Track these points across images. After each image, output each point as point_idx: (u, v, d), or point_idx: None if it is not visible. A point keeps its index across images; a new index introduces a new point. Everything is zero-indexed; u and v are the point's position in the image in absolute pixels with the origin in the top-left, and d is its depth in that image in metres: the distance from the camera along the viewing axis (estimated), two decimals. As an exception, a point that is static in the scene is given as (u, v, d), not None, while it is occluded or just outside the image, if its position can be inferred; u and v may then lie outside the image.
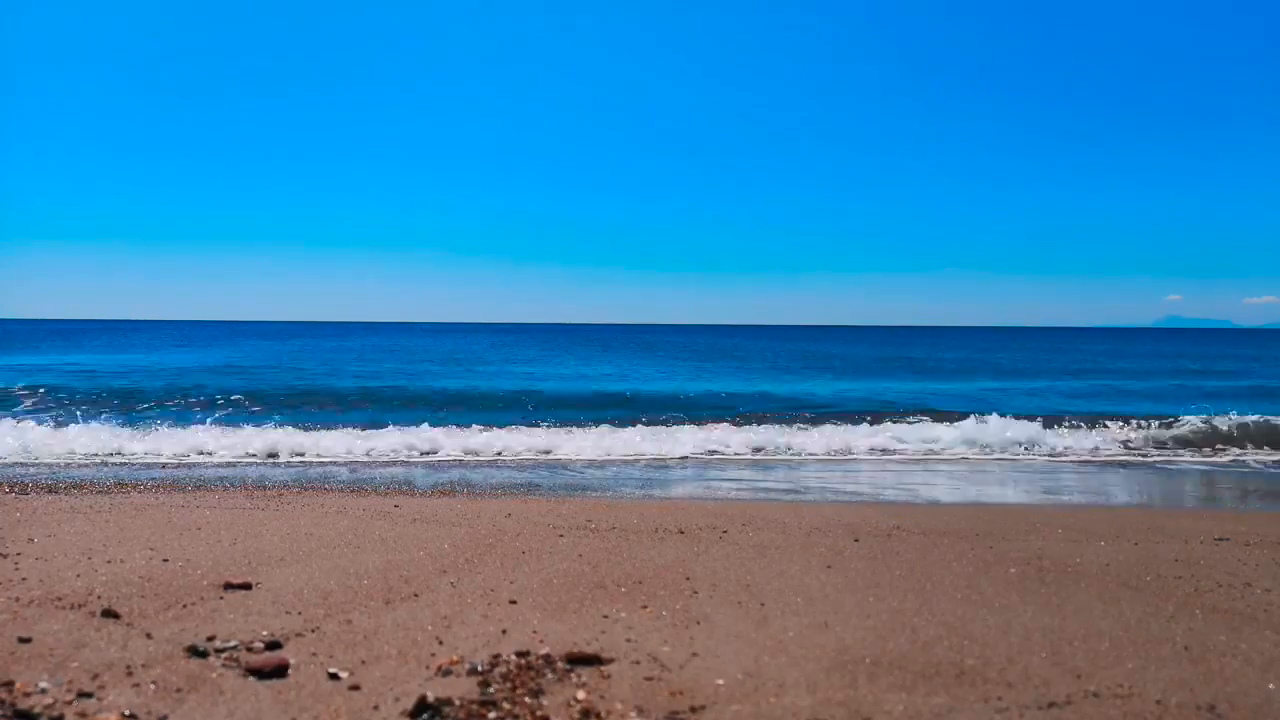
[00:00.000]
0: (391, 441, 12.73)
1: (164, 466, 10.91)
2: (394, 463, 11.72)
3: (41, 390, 19.91)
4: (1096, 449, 13.79)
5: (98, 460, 11.35)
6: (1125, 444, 14.30)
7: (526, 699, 2.81)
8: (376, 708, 2.74)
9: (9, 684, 2.81)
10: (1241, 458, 13.23)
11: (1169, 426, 15.08)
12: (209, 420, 14.81)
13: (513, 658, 3.22)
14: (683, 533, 6.13)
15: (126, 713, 2.65)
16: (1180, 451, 13.87)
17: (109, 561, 4.71)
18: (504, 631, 3.60)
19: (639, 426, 14.65)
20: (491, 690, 2.88)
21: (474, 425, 14.07)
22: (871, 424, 15.19)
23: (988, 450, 13.44)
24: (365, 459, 11.99)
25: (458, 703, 2.74)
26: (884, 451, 13.30)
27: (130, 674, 2.96)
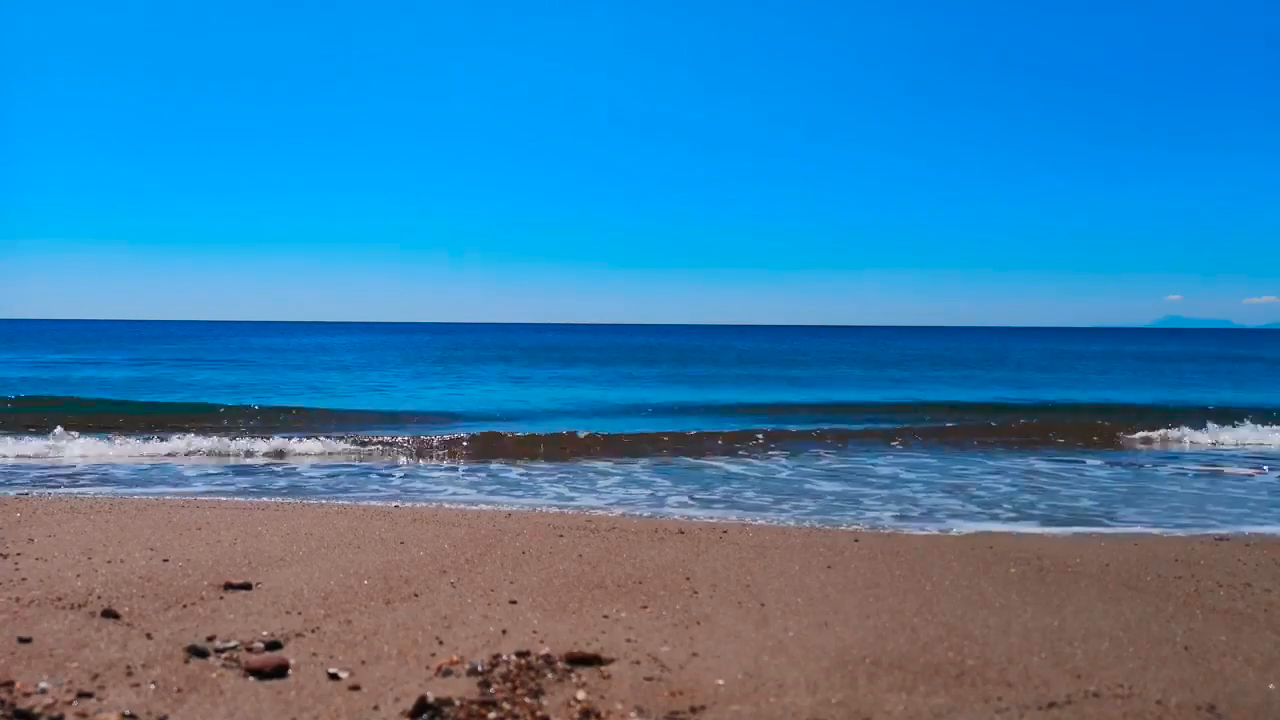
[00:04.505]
0: None
1: None
2: None
3: None
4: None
5: None
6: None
7: (526, 699, 2.81)
8: (376, 708, 2.74)
9: (9, 684, 2.81)
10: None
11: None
12: None
13: (513, 658, 3.22)
14: (683, 533, 6.14)
15: (126, 713, 2.64)
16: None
17: (109, 561, 4.71)
18: (504, 632, 3.60)
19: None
20: (491, 690, 2.88)
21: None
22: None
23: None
24: None
25: (458, 703, 2.74)
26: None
27: (130, 674, 2.96)
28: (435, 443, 12.45)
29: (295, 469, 10.30)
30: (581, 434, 13.13)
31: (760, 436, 13.37)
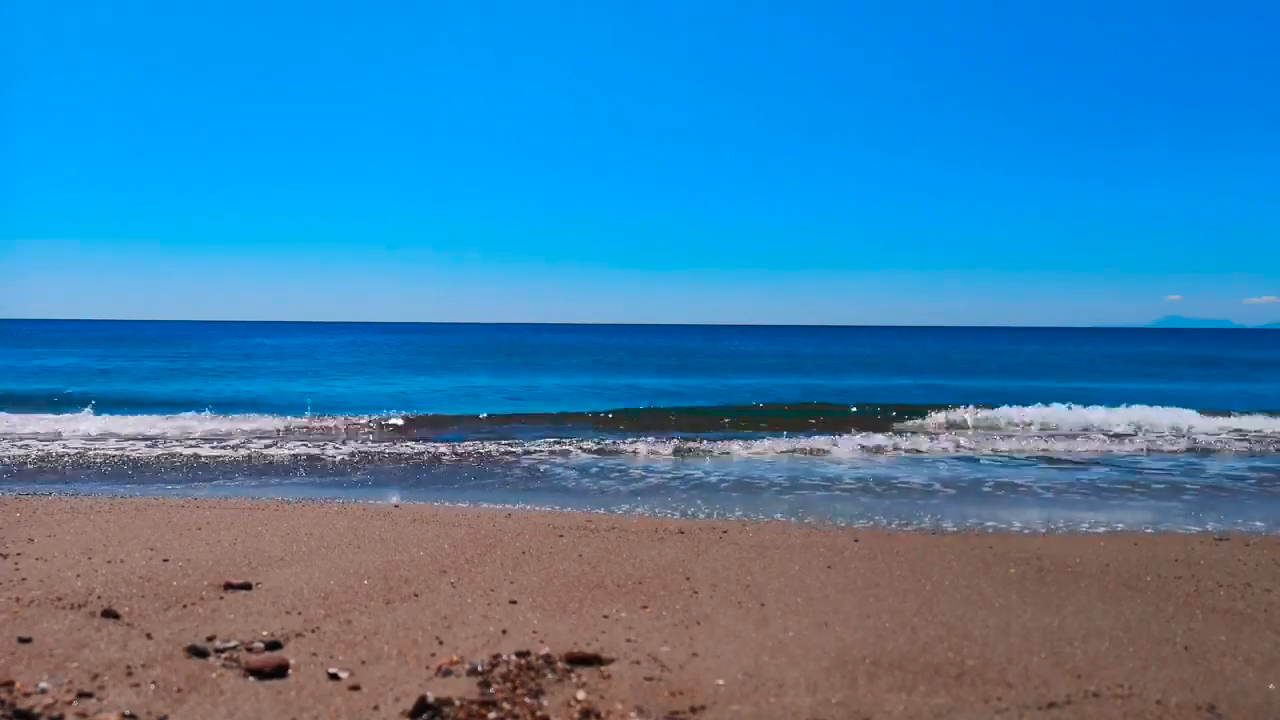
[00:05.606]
0: None
1: None
2: None
3: None
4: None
5: None
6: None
7: (526, 699, 2.81)
8: (376, 708, 2.74)
9: (9, 684, 2.81)
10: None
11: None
12: None
13: (513, 658, 3.22)
14: (683, 533, 6.14)
15: (126, 713, 2.64)
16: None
17: (109, 561, 4.71)
18: (504, 631, 3.60)
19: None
20: (491, 690, 2.88)
21: None
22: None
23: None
24: None
25: (458, 703, 2.74)
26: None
27: (130, 674, 2.96)
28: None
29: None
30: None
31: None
